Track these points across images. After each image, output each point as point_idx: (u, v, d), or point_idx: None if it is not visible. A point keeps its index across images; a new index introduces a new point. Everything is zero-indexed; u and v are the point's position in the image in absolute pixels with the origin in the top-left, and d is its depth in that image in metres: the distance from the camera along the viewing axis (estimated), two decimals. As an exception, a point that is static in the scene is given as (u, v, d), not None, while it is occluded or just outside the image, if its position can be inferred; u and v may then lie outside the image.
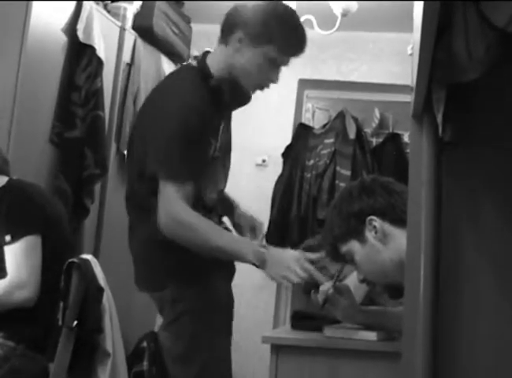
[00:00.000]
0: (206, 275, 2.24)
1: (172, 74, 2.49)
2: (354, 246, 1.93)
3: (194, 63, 2.34)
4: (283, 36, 2.23)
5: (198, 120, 2.16)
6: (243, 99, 2.35)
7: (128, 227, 2.35)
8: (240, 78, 2.27)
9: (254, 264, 2.11)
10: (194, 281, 2.23)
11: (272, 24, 2.22)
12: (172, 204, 2.14)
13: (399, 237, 1.83)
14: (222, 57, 2.28)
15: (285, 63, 2.29)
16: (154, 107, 2.29)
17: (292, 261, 2.09)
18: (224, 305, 2.27)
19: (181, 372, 2.28)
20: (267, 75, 2.28)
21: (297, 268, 2.06)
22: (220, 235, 2.16)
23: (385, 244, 1.89)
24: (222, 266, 2.28)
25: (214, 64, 2.29)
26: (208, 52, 2.35)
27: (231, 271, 2.39)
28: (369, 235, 1.90)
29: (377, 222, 1.88)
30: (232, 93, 2.29)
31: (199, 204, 2.25)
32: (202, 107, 2.19)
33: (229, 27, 2.26)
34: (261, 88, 2.33)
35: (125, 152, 3.35)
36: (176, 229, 2.14)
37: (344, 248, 1.95)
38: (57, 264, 2.34)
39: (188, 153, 2.15)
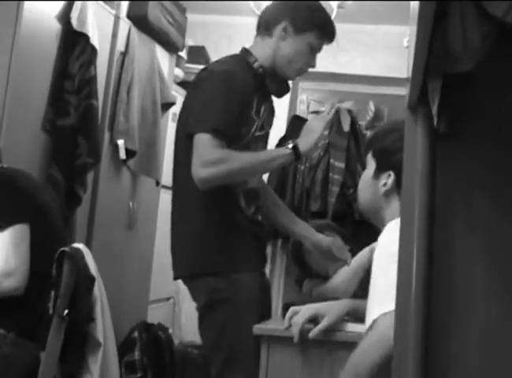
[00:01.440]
0: (238, 266, 2.38)
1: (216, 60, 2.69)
2: (370, 169, 1.93)
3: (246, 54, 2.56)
4: (322, 24, 2.54)
5: (237, 84, 2.39)
6: (283, 89, 2.60)
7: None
8: (283, 65, 2.52)
9: (294, 153, 2.34)
10: (226, 272, 2.36)
11: (313, 13, 2.53)
12: (202, 152, 2.27)
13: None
14: (267, 48, 2.52)
15: (320, 49, 2.58)
16: (197, 81, 2.52)
17: (313, 128, 2.38)
18: (252, 297, 2.35)
19: (212, 357, 2.41)
20: (307, 61, 2.55)
21: (321, 129, 2.37)
22: (252, 154, 2.37)
23: (386, 199, 1.88)
24: (253, 257, 2.44)
25: (259, 54, 2.53)
26: (247, 49, 2.58)
27: (262, 261, 2.54)
28: (381, 181, 1.89)
29: (391, 179, 1.87)
30: (273, 79, 2.53)
31: (240, 186, 2.43)
32: (242, 78, 2.42)
33: (273, 18, 2.52)
34: (301, 73, 2.61)
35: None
36: (211, 170, 2.26)
37: (369, 160, 1.95)
38: (47, 253, 2.33)
39: (226, 110, 2.33)
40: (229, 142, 2.32)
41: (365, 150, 2.07)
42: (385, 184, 1.87)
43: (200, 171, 2.26)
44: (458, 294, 1.14)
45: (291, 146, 2.35)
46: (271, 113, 2.63)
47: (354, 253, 2.78)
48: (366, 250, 2.72)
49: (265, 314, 2.42)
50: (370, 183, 1.92)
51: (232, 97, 2.36)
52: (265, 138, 2.58)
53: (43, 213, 2.43)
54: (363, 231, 2.95)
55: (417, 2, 0.83)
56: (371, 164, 1.93)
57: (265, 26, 2.54)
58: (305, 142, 2.36)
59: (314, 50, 2.55)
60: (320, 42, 2.54)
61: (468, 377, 1.14)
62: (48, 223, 2.45)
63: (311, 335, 1.92)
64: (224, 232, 2.41)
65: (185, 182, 2.38)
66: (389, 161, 1.86)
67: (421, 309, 1.09)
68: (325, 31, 2.55)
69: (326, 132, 2.48)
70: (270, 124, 2.63)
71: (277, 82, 2.55)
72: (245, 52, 2.56)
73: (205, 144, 2.28)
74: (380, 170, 1.89)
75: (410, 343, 1.11)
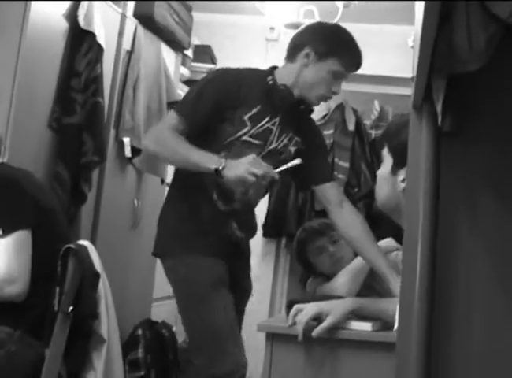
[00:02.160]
0: (194, 249, 2.54)
1: None
2: (387, 165, 1.90)
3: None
4: (345, 51, 2.55)
5: (225, 82, 2.53)
6: (297, 108, 2.62)
7: None
8: (305, 91, 2.56)
9: (215, 172, 2.36)
10: (180, 253, 2.56)
11: (335, 40, 2.55)
12: (160, 126, 2.60)
13: None
14: (289, 73, 2.59)
15: (345, 76, 2.59)
16: None
17: (247, 161, 2.34)
18: (213, 278, 2.50)
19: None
20: (329, 88, 2.56)
21: (253, 167, 2.31)
22: (187, 149, 2.45)
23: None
24: (211, 245, 2.55)
25: (279, 76, 2.59)
26: (276, 67, 2.67)
27: (224, 251, 2.59)
28: (399, 177, 1.86)
29: None
30: (285, 98, 2.56)
31: (213, 181, 2.51)
32: (238, 80, 2.54)
33: (297, 45, 2.58)
34: (325, 99, 2.66)
35: (123, 139, 3.39)
36: (150, 143, 2.56)
37: (384, 155, 1.93)
38: (52, 254, 2.33)
39: (199, 101, 2.52)
40: (199, 129, 2.52)
41: (370, 147, 2.05)
42: (404, 180, 1.83)
43: (146, 137, 2.68)
44: (460, 290, 1.14)
45: (221, 163, 2.36)
46: (292, 133, 2.65)
47: (354, 257, 2.79)
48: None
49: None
50: (388, 179, 1.89)
51: (211, 91, 2.52)
52: (259, 149, 2.56)
53: (47, 215, 2.42)
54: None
55: (422, 2, 0.84)
56: (387, 159, 1.90)
57: (290, 51, 2.60)
58: (233, 172, 2.34)
59: (337, 77, 2.55)
60: (342, 70, 2.54)
61: (471, 373, 1.15)
62: (51, 224, 2.44)
63: (314, 334, 1.92)
64: (191, 220, 2.59)
65: (174, 173, 2.72)
66: (406, 156, 1.82)
67: (424, 307, 1.10)
68: (348, 59, 2.55)
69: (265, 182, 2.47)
70: (284, 143, 2.63)
71: (285, 99, 2.56)
72: (269, 69, 2.65)
73: (166, 120, 2.62)
74: (397, 166, 1.86)
75: (414, 343, 1.12)
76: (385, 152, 1.92)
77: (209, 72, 2.69)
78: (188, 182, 2.60)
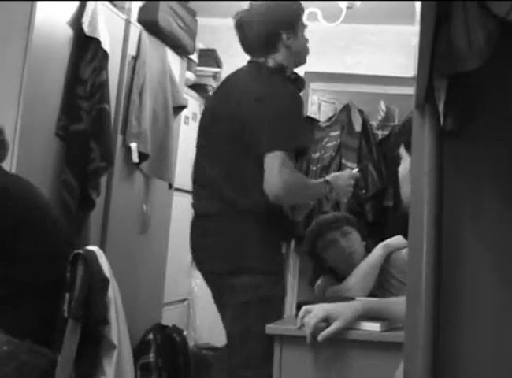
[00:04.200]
0: (278, 267, 2.56)
1: (248, 71, 2.74)
2: (407, 162, 1.92)
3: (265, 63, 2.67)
4: (297, 7, 2.73)
5: (301, 102, 2.62)
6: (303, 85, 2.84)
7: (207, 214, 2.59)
8: (302, 58, 2.72)
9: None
10: (270, 272, 2.48)
11: (288, 8, 2.69)
12: (281, 174, 2.42)
13: None
14: (282, 58, 2.65)
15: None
16: (254, 97, 2.54)
17: (348, 182, 2.71)
18: (281, 298, 2.56)
19: (236, 351, 2.47)
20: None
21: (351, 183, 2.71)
22: (314, 185, 2.69)
23: None
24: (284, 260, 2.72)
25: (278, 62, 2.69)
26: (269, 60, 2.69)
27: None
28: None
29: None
30: (304, 84, 2.80)
31: None
32: (298, 92, 2.66)
33: (268, 38, 2.63)
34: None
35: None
36: (287, 196, 2.48)
37: (402, 154, 1.95)
38: (49, 262, 2.33)
39: (297, 128, 2.56)
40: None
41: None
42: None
43: (278, 194, 2.42)
44: (466, 288, 1.14)
45: (330, 188, 2.64)
46: None
47: (365, 253, 2.79)
48: (379, 247, 2.73)
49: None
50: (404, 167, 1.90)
51: (301, 115, 2.70)
52: None
53: (37, 221, 2.37)
54: (375, 232, 2.95)
55: (420, 1, 0.84)
56: (406, 157, 1.90)
57: (264, 47, 2.65)
58: (344, 195, 2.77)
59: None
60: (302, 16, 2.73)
61: (478, 372, 1.15)
62: (42, 233, 2.39)
63: (320, 338, 1.92)
64: (271, 238, 2.56)
65: (245, 192, 2.52)
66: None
67: (430, 306, 1.10)
68: (302, 9, 2.74)
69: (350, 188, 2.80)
70: None
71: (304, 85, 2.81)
72: (274, 61, 2.64)
73: (284, 164, 2.42)
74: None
75: (421, 342, 1.12)
76: (402, 150, 1.92)
77: (269, 94, 2.55)
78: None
